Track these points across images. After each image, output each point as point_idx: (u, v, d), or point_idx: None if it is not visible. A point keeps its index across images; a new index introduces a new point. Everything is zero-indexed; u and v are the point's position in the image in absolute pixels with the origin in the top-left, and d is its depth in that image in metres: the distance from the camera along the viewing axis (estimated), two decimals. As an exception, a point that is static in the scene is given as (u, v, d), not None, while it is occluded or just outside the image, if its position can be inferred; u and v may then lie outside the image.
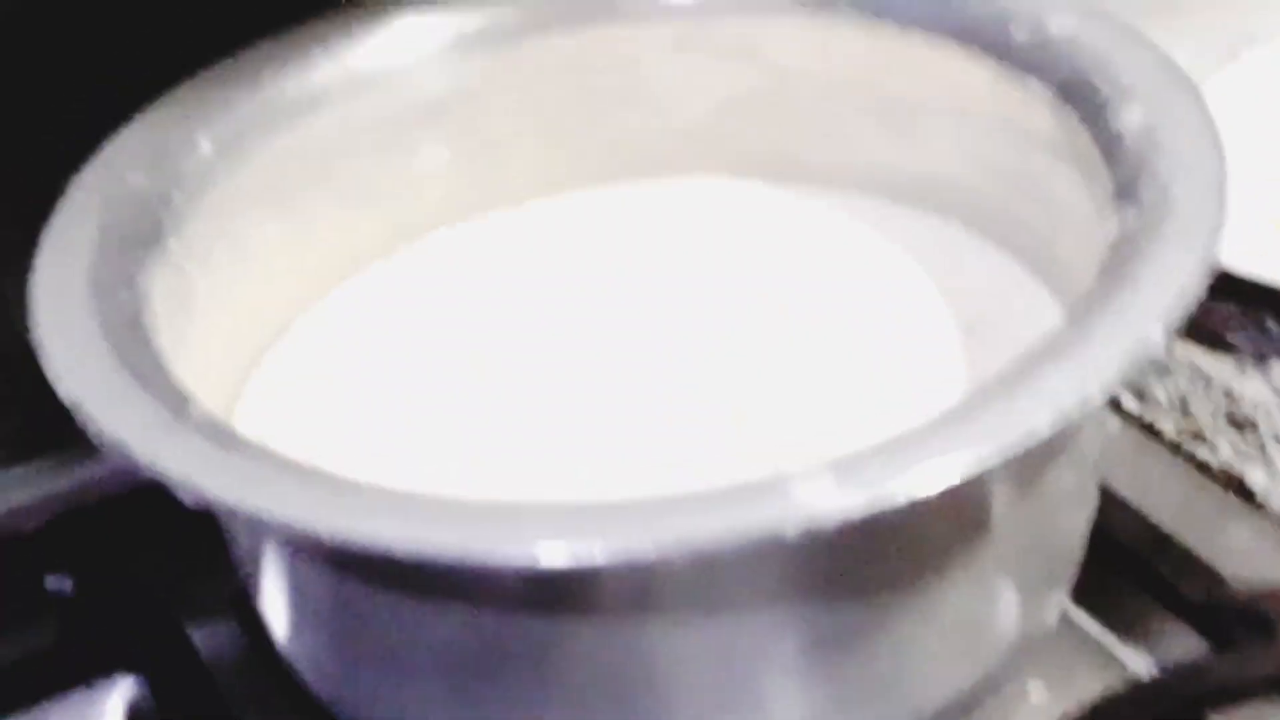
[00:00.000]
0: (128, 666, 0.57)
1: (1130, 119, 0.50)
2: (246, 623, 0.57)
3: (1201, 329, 0.66)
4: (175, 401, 0.45)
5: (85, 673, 0.57)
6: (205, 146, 0.55)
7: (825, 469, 0.40)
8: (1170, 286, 0.44)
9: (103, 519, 0.63)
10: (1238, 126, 0.58)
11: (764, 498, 0.40)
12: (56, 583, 0.61)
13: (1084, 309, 0.44)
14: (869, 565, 0.45)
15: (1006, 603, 0.48)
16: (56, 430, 0.63)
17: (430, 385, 0.56)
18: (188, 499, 0.43)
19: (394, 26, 0.59)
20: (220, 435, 0.44)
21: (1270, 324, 0.67)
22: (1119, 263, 0.45)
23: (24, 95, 0.61)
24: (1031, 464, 0.46)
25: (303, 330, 0.58)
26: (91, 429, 0.45)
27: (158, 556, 0.61)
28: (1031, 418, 0.41)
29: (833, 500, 0.39)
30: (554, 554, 0.40)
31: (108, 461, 0.63)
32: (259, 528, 0.48)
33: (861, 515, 0.39)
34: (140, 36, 0.61)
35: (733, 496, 0.40)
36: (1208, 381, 0.65)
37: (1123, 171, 0.49)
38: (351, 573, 0.46)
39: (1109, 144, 0.50)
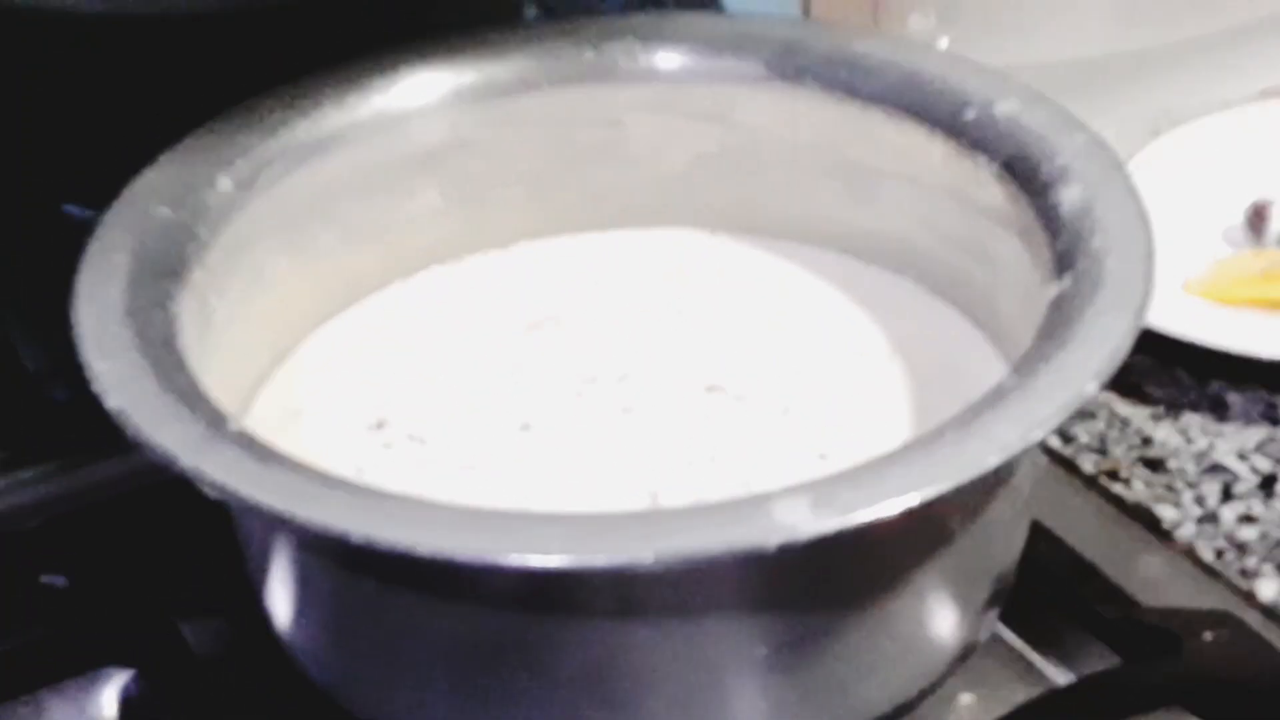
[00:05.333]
0: (121, 660, 0.59)
1: (1069, 195, 0.53)
2: (235, 619, 0.59)
3: (1121, 379, 0.69)
4: (213, 417, 0.48)
5: (80, 666, 0.59)
6: (225, 184, 0.57)
7: (802, 491, 0.44)
8: (1104, 348, 0.48)
9: (97, 522, 0.64)
10: (1157, 197, 0.61)
11: (747, 515, 0.44)
12: (51, 581, 0.62)
13: (1027, 364, 0.48)
14: (831, 581, 0.48)
15: (947, 618, 0.51)
16: (55, 437, 0.67)
17: (419, 406, 0.58)
18: (232, 504, 0.46)
19: (398, 78, 0.61)
20: (255, 448, 0.47)
21: (1182, 376, 0.71)
22: (1057, 324, 0.49)
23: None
24: (977, 496, 0.50)
25: (307, 353, 0.61)
26: (140, 441, 0.47)
27: (150, 558, 0.62)
28: (981, 455, 0.45)
29: (808, 518, 0.43)
30: (563, 559, 0.43)
31: (103, 468, 0.66)
32: (280, 529, 0.50)
33: (832, 532, 0.43)
34: (161, 79, 0.63)
35: (720, 514, 0.44)
36: (1125, 425, 0.69)
37: (1061, 242, 0.52)
38: (364, 572, 0.49)
39: (1049, 217, 0.53)
